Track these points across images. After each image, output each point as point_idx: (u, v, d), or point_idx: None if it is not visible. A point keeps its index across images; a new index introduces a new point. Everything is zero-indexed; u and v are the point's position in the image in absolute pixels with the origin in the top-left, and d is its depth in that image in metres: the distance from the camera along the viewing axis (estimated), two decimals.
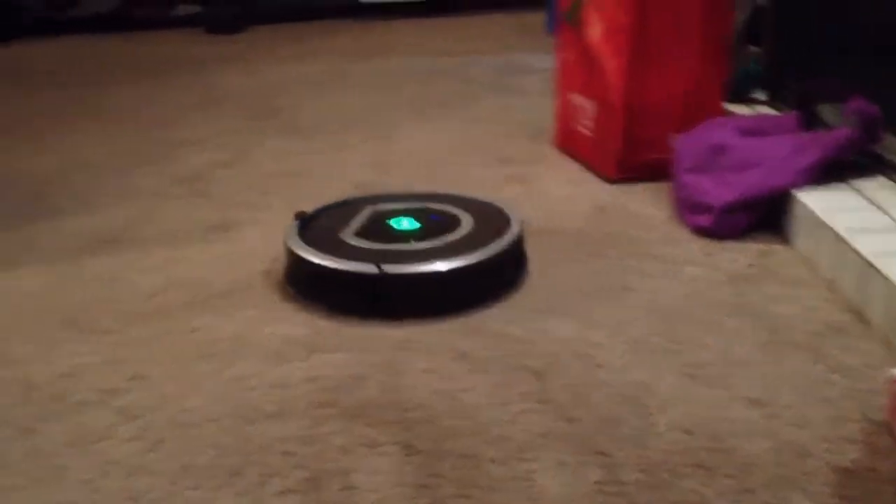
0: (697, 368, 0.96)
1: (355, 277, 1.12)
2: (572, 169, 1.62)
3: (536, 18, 2.82)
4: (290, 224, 1.24)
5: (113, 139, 1.91)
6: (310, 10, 3.24)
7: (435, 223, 1.24)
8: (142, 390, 0.98)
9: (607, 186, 1.52)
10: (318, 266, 1.14)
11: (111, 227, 1.42)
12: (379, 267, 1.10)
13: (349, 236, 1.21)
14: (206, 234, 1.38)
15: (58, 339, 1.09)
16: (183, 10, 3.19)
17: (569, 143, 1.69)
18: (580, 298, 1.13)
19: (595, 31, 1.57)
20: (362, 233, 1.22)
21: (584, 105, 1.61)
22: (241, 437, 0.89)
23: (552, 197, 1.49)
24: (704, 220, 1.30)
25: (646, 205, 1.43)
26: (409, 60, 2.53)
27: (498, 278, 1.17)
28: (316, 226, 1.25)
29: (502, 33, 2.85)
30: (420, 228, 1.23)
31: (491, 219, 1.24)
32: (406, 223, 1.24)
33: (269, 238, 1.33)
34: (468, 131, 1.88)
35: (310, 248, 1.16)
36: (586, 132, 1.61)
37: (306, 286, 1.17)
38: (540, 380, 0.95)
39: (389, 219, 1.26)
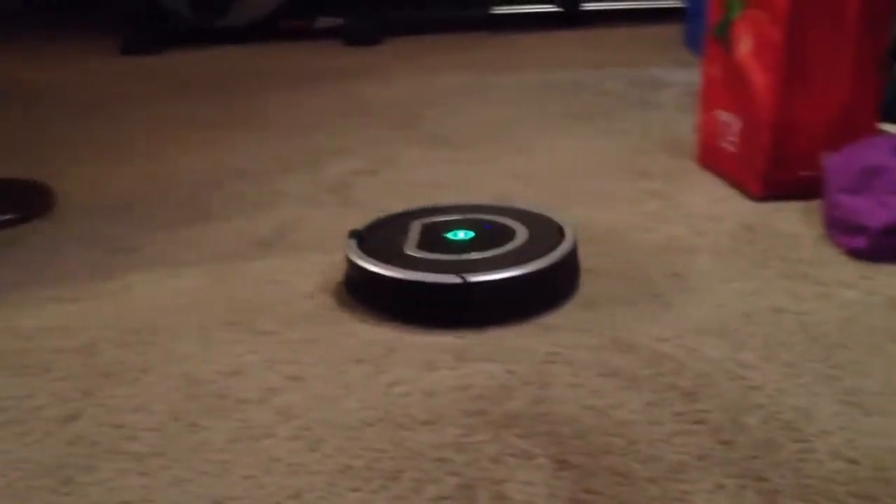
0: (858, 395, 0.94)
1: (441, 288, 1.14)
2: (715, 185, 1.60)
3: (673, 31, 2.79)
4: (348, 242, 1.26)
5: (261, 146, 1.98)
6: (445, 22, 3.29)
7: (489, 232, 1.27)
8: (300, 391, 1.01)
9: (753, 204, 1.50)
10: (399, 280, 1.16)
11: (264, 231, 1.48)
12: (462, 277, 1.13)
13: (413, 250, 1.23)
14: None
15: (218, 339, 1.14)
16: (323, 22, 3.27)
17: (711, 160, 1.67)
18: (730, 318, 1.12)
19: (745, 46, 1.55)
20: (424, 245, 1.24)
21: (730, 121, 1.59)
22: (396, 441, 0.91)
23: (695, 213, 1.47)
24: (859, 241, 1.27)
25: (794, 224, 1.41)
26: (545, 73, 2.54)
27: (559, 285, 1.21)
28: (374, 242, 1.26)
29: (638, 46, 2.83)
30: (475, 238, 1.26)
31: (543, 228, 1.28)
32: (462, 234, 1.27)
33: None
34: (606, 145, 1.88)
35: (384, 264, 1.18)
36: (731, 148, 1.59)
37: (385, 301, 1.19)
38: (693, 400, 0.95)
39: (444, 231, 1.28)
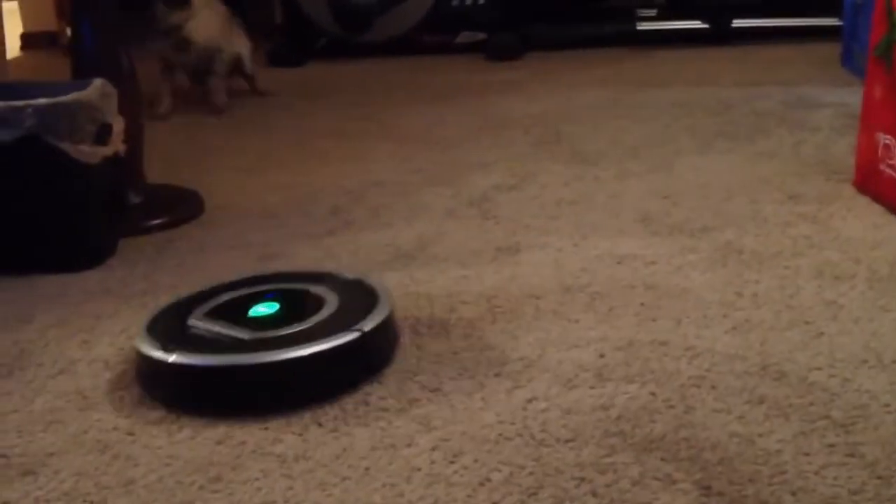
0: None
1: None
2: (873, 211, 1.54)
3: (829, 50, 2.70)
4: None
5: (402, 159, 2.00)
6: (587, 37, 3.26)
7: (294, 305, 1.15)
8: (439, 402, 1.02)
9: None
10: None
11: (405, 243, 1.49)
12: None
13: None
14: (497, 255, 1.42)
15: None
16: (465, 37, 3.29)
17: (870, 184, 1.60)
18: (887, 349, 1.07)
19: None
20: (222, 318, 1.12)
21: (892, 144, 1.53)
22: (535, 458, 0.91)
23: (853, 240, 1.42)
24: None
25: None
26: (692, 91, 2.49)
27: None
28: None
29: (792, 65, 2.74)
30: (279, 310, 1.14)
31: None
32: (264, 308, 1.15)
33: (559, 262, 1.36)
34: (755, 166, 1.82)
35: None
36: (892, 173, 1.52)
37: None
38: (847, 432, 0.91)
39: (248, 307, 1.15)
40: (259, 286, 1.20)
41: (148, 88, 1.88)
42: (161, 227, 1.60)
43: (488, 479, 0.88)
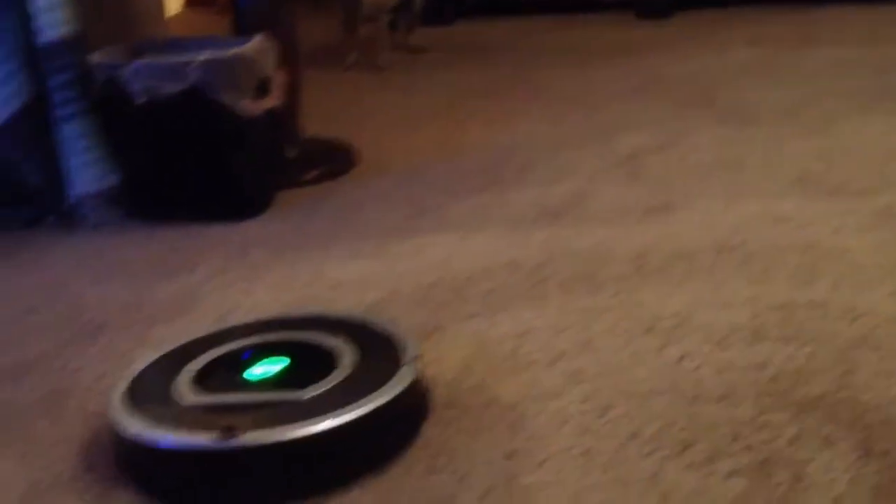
0: None
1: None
2: None
3: None
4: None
5: (552, 118, 1.99)
6: None
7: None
8: (589, 357, 1.02)
9: None
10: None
11: (553, 201, 1.49)
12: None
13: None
14: (646, 215, 1.40)
15: (505, 302, 1.16)
16: None
17: None
18: None
19: None
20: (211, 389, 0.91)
21: None
22: (688, 414, 0.90)
23: None
24: None
25: None
26: (852, 50, 2.39)
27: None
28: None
29: None
30: (288, 369, 0.95)
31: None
32: (262, 369, 0.95)
33: (711, 223, 1.34)
34: None
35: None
36: None
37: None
38: None
39: (244, 369, 0.95)
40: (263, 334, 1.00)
41: (328, 42, 1.94)
42: (316, 181, 1.64)
43: (639, 433, 0.87)
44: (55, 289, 1.32)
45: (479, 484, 0.82)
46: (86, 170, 1.53)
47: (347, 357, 0.93)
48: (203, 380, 0.92)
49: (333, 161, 1.72)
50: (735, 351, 1.00)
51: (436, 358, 1.03)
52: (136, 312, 1.21)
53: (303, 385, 0.88)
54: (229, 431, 0.82)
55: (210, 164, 1.49)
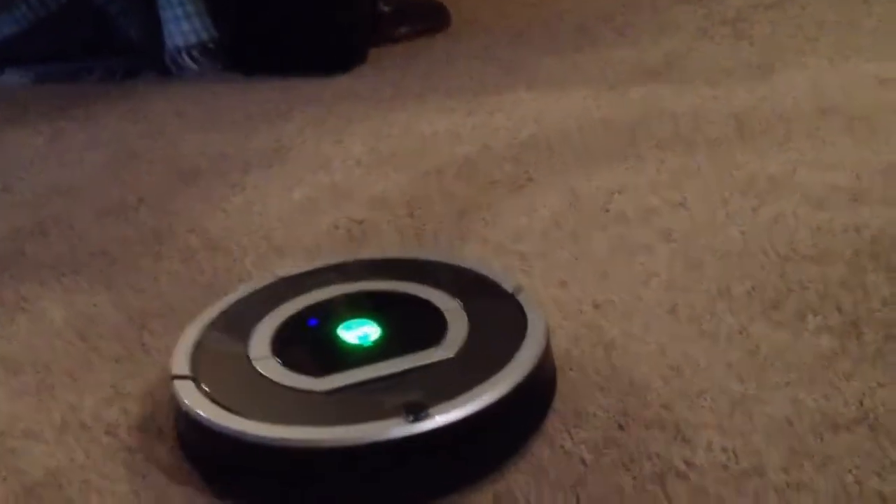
0: None
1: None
2: None
3: None
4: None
5: None
6: None
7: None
8: (681, 215, 1.00)
9: None
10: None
11: (652, 60, 1.45)
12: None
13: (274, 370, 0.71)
14: (749, 75, 1.36)
15: (601, 158, 1.15)
16: None
17: None
18: None
19: None
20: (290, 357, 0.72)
21: None
22: (779, 273, 0.88)
23: None
24: None
25: None
26: None
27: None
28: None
29: None
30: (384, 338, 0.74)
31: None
32: (355, 333, 0.74)
33: (817, 84, 1.29)
34: None
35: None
36: None
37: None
38: None
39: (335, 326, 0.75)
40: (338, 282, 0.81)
41: None
42: (409, 37, 1.63)
43: (728, 290, 0.87)
44: (154, 136, 1.35)
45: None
46: (184, 22, 1.54)
47: (452, 309, 0.75)
48: (291, 348, 0.73)
49: (427, 18, 1.70)
50: (833, 213, 0.98)
51: (528, 210, 1.03)
52: (231, 159, 1.23)
53: (415, 349, 0.71)
54: (419, 409, 0.64)
55: (305, 15, 1.49)
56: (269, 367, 0.71)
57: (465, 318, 0.75)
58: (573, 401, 0.73)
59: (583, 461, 0.67)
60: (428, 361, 0.70)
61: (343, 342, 0.74)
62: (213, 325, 0.77)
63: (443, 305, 0.77)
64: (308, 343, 0.75)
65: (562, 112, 1.29)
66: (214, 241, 1.02)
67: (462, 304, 0.76)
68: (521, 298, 0.77)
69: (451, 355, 0.71)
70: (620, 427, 0.70)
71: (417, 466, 0.65)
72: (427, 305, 0.77)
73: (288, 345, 0.74)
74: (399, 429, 0.63)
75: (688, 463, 0.66)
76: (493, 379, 0.67)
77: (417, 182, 1.12)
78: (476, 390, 0.66)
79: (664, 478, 0.65)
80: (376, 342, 0.73)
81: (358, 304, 0.77)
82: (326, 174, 1.16)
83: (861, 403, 0.70)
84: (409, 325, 0.76)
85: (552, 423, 0.71)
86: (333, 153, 1.22)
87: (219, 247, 1.01)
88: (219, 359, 0.73)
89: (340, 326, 0.75)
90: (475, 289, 0.79)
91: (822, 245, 0.92)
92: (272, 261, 0.97)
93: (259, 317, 0.77)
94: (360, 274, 0.82)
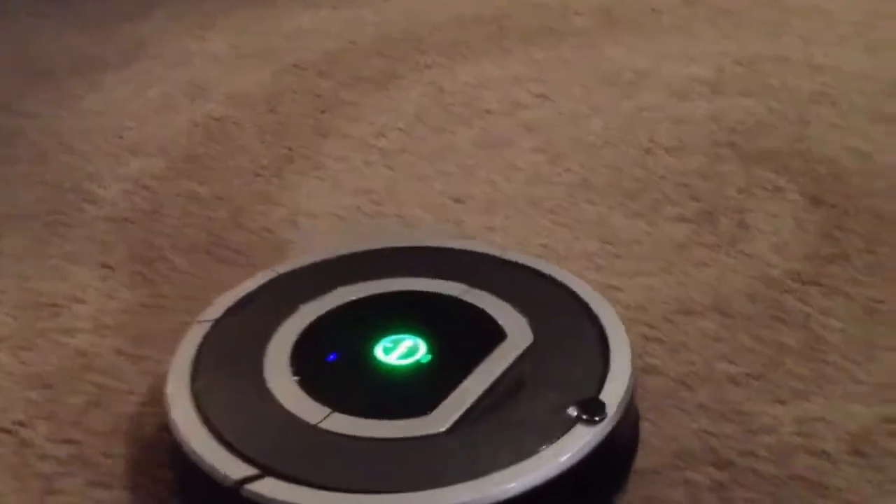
0: None
1: None
2: None
3: None
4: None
5: None
6: None
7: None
8: (546, 108, 1.00)
9: None
10: None
11: None
12: None
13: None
14: None
15: (467, 54, 1.13)
16: None
17: None
18: None
19: None
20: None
21: None
22: (639, 163, 0.89)
23: None
24: None
25: None
26: None
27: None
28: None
29: None
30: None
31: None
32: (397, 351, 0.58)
33: None
34: None
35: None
36: None
37: None
38: None
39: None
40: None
41: None
42: None
43: (589, 181, 0.87)
44: (9, 37, 1.27)
45: None
46: None
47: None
48: (342, 392, 0.55)
49: None
50: (695, 104, 0.99)
51: (392, 106, 1.01)
52: (88, 60, 1.17)
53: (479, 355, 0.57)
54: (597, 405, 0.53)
55: None
56: (341, 423, 0.53)
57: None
58: None
59: None
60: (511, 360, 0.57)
61: (393, 367, 0.57)
62: (210, 364, 0.58)
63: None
64: (357, 378, 0.57)
65: (432, 8, 1.26)
66: (67, 143, 0.97)
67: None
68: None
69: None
70: None
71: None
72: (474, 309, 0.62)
73: (336, 389, 0.56)
74: (589, 434, 0.51)
75: None
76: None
77: (280, 78, 1.08)
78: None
79: None
80: (428, 356, 0.58)
81: (382, 317, 0.61)
82: (186, 71, 1.12)
83: (714, 290, 0.71)
84: (452, 329, 0.61)
85: None
86: (194, 49, 1.17)
87: (73, 148, 0.96)
88: (259, 426, 0.53)
89: (376, 348, 0.58)
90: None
91: (682, 136, 0.93)
92: (126, 160, 0.93)
93: (263, 342, 0.59)
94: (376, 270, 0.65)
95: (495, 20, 1.21)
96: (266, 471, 0.49)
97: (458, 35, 1.18)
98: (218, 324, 0.61)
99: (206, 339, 0.59)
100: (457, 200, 0.85)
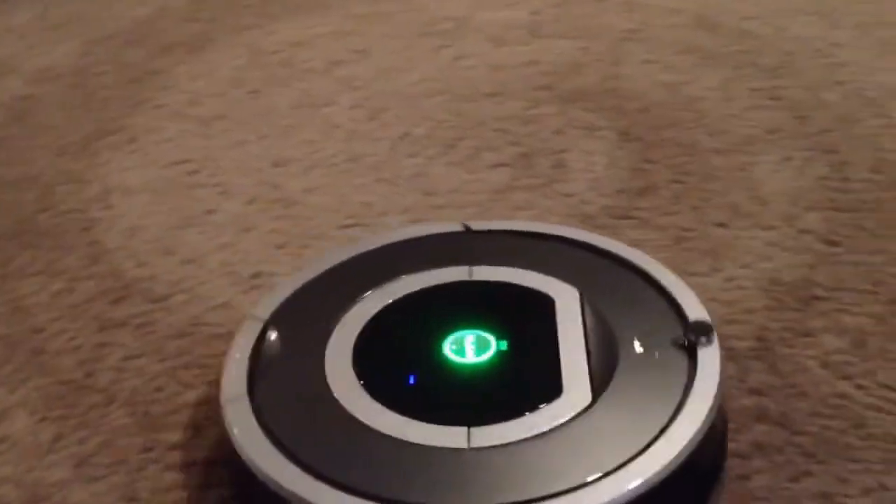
0: None
1: None
2: None
3: None
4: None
5: None
6: None
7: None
8: (365, 63, 0.99)
9: None
10: None
11: None
12: None
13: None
14: None
15: (283, 12, 1.11)
16: None
17: None
18: None
19: None
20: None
21: None
22: (458, 112, 0.89)
23: None
24: None
25: None
26: None
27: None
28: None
29: None
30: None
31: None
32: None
33: None
34: None
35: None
36: None
37: None
38: (773, 77, 0.89)
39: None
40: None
41: None
42: None
43: (409, 134, 0.87)
44: None
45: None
46: None
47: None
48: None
49: None
50: (511, 49, 0.99)
51: (207, 71, 0.99)
52: None
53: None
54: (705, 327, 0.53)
55: None
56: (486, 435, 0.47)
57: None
58: None
59: None
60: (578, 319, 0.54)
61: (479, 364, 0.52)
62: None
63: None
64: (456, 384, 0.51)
65: None
66: None
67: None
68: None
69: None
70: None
71: None
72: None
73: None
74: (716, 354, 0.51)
75: None
76: None
77: (88, 50, 1.04)
78: None
79: None
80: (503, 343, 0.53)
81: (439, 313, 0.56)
82: None
83: None
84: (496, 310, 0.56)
85: None
86: None
87: None
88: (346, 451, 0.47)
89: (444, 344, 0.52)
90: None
91: (499, 82, 0.94)
92: None
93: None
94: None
95: None
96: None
97: None
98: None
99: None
100: (275, 164, 0.83)
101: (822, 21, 0.98)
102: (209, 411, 0.57)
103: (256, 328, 0.55)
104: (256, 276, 0.70)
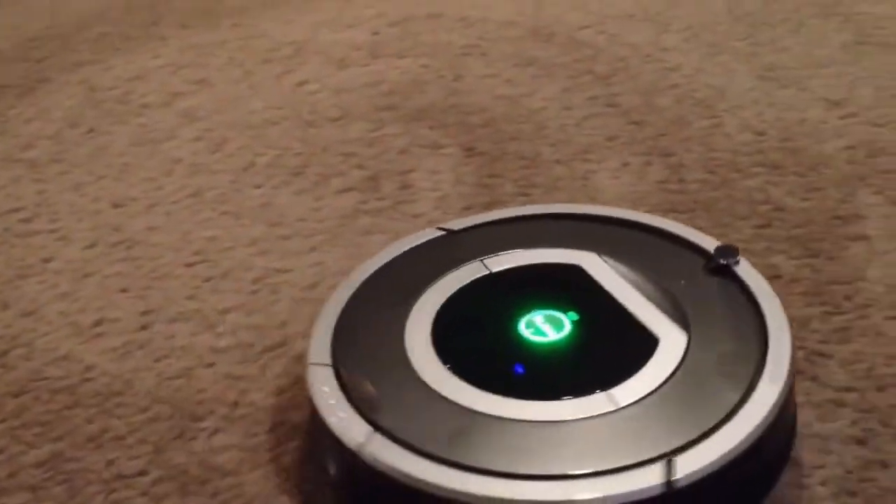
0: (775, 70, 0.90)
1: None
2: None
3: None
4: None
5: None
6: None
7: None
8: (205, 94, 0.97)
9: None
10: None
11: None
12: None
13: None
14: None
15: (120, 45, 1.08)
16: None
17: None
18: (653, 2, 1.07)
19: None
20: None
21: None
22: (303, 139, 0.88)
23: None
24: None
25: None
26: None
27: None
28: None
29: None
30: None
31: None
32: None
33: None
34: None
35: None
36: None
37: None
38: (608, 84, 0.91)
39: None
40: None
41: None
42: None
43: (253, 164, 0.85)
44: None
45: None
46: None
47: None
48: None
49: None
50: (353, 70, 0.99)
51: (39, 114, 0.95)
52: None
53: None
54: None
55: None
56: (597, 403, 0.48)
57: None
58: None
59: None
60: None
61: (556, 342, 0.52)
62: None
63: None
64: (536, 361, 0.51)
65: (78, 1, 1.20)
66: None
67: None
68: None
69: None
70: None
71: None
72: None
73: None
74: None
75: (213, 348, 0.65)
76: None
77: None
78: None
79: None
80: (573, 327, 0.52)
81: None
82: None
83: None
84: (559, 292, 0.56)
85: None
86: None
87: None
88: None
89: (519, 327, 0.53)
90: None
91: (342, 105, 0.93)
92: None
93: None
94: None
95: (149, 6, 1.17)
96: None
97: (110, 27, 1.12)
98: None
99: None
100: (115, 205, 0.81)
101: (651, 27, 1.01)
102: (51, 470, 0.55)
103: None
104: (98, 323, 0.68)
